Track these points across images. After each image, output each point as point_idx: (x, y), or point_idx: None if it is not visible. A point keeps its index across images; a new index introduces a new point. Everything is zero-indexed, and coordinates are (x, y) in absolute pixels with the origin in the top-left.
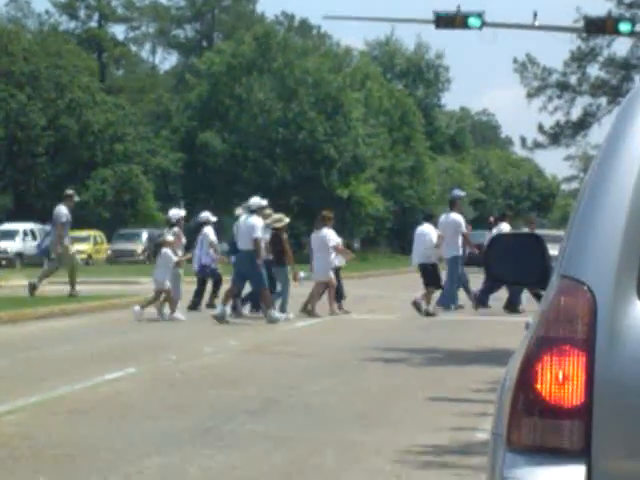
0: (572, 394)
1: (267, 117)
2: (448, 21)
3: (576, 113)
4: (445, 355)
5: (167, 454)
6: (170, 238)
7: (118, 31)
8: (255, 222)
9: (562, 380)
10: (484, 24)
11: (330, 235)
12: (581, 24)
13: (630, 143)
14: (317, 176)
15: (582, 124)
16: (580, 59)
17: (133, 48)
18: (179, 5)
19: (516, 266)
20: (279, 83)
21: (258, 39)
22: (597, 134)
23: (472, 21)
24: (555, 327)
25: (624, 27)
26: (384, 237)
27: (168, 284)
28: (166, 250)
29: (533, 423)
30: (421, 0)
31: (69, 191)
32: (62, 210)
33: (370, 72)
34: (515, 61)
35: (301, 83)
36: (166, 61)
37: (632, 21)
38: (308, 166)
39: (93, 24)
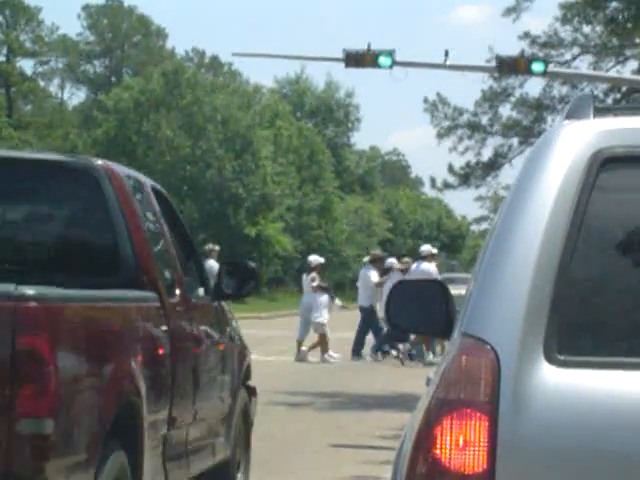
0: (474, 460)
1: (175, 154)
2: (358, 60)
3: (487, 154)
4: (350, 399)
5: None
6: (324, 283)
7: (27, 66)
8: (428, 268)
9: (463, 445)
10: (395, 63)
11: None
12: (493, 64)
13: (539, 190)
14: (225, 214)
15: (493, 165)
16: (492, 99)
17: (42, 83)
18: (88, 40)
19: (418, 314)
20: (187, 120)
21: (167, 75)
22: (508, 175)
23: (382, 60)
24: (456, 389)
25: (537, 67)
26: (292, 277)
27: (326, 327)
28: (328, 296)
29: None
30: (332, 38)
31: (210, 245)
32: (212, 263)
33: (280, 110)
34: (426, 101)
35: (210, 120)
36: (74, 97)
37: (545, 61)
38: (216, 204)
39: (1, 58)
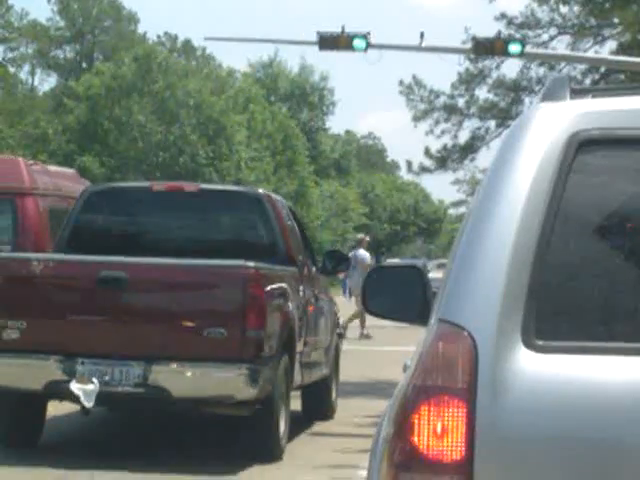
0: (452, 448)
1: (147, 140)
2: (332, 42)
3: (464, 137)
4: None
5: None
6: None
7: None
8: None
9: (441, 432)
10: (369, 45)
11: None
12: (469, 45)
13: (515, 174)
14: None
15: (470, 148)
16: (468, 81)
17: (11, 69)
18: (59, 25)
19: (395, 300)
20: (160, 105)
21: (138, 60)
22: (485, 158)
23: (357, 43)
24: (433, 375)
25: (514, 48)
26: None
27: None
28: None
29: (410, 479)
30: (305, 21)
31: (360, 235)
32: (363, 253)
33: (253, 94)
34: (401, 83)
35: (182, 105)
36: (45, 82)
37: (522, 42)
38: None
39: None
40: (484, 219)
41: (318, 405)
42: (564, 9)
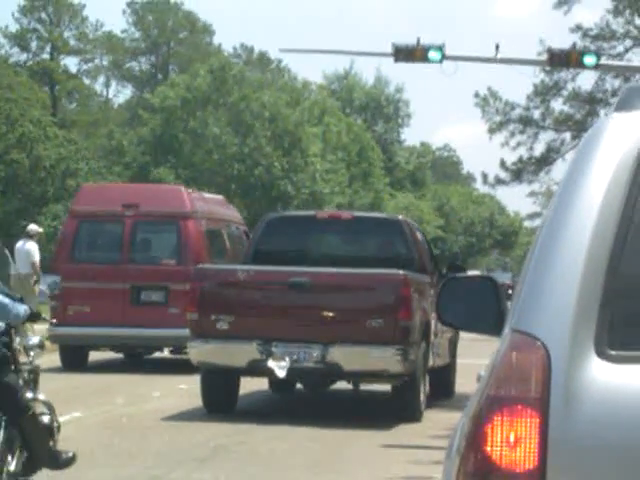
0: (525, 457)
1: (222, 152)
2: (408, 54)
3: (539, 149)
4: None
5: None
6: None
7: (71, 63)
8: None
9: (514, 442)
10: (444, 57)
11: None
12: (545, 57)
13: (589, 184)
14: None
15: (545, 160)
16: (544, 93)
17: (86, 81)
18: (134, 37)
19: (469, 311)
20: (235, 117)
21: (213, 72)
22: (561, 170)
23: (432, 54)
24: (506, 385)
25: (589, 60)
26: None
27: None
28: None
29: None
30: (380, 33)
31: None
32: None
33: (328, 106)
34: (477, 95)
35: (257, 117)
36: (120, 94)
37: (597, 54)
38: (264, 202)
39: (45, 56)
40: (557, 229)
41: (442, 385)
42: (639, 21)
